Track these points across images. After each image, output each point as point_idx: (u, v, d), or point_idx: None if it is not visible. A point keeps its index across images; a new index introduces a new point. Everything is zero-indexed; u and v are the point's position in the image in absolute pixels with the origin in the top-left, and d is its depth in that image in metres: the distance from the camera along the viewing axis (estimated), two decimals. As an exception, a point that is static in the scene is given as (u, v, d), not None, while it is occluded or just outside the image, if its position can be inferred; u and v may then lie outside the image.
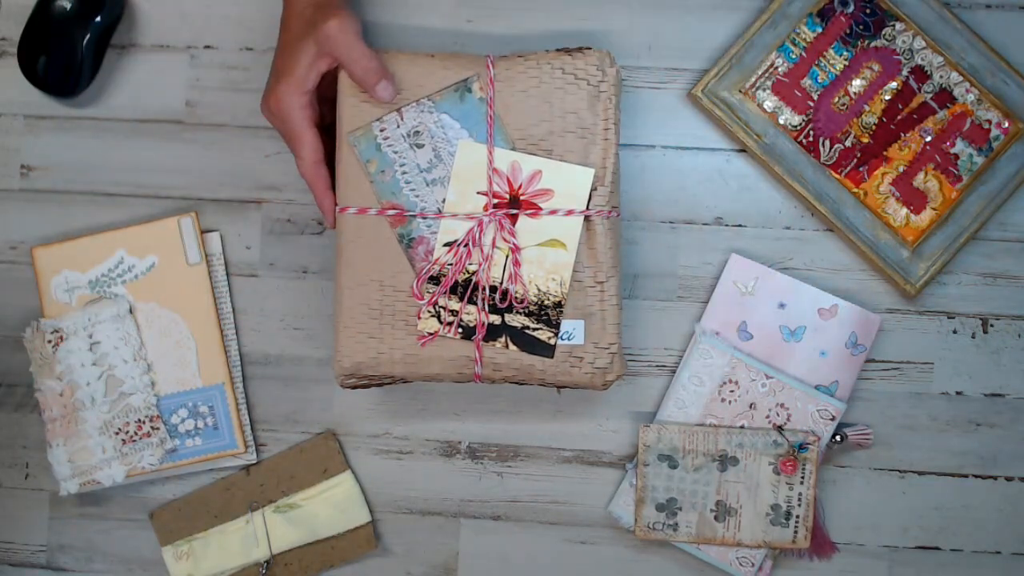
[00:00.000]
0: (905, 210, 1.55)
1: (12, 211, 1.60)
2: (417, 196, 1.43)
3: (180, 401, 1.55)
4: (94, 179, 1.60)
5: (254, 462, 1.58)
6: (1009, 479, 1.57)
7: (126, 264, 1.56)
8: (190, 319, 1.56)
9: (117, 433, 1.53)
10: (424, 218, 1.43)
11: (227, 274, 1.59)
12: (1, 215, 1.60)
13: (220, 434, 1.56)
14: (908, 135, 1.55)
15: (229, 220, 1.59)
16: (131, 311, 1.55)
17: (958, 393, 1.57)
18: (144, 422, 1.53)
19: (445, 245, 1.43)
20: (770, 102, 1.56)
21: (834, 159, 1.55)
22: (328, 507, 1.57)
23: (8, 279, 1.60)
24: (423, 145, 1.43)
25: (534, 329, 1.43)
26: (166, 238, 1.56)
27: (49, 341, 1.53)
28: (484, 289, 1.43)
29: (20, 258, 1.60)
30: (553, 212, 1.42)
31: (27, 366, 1.56)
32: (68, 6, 1.56)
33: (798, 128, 1.55)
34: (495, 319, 1.43)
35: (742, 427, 1.54)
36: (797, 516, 1.53)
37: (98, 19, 1.56)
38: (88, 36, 1.56)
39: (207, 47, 1.60)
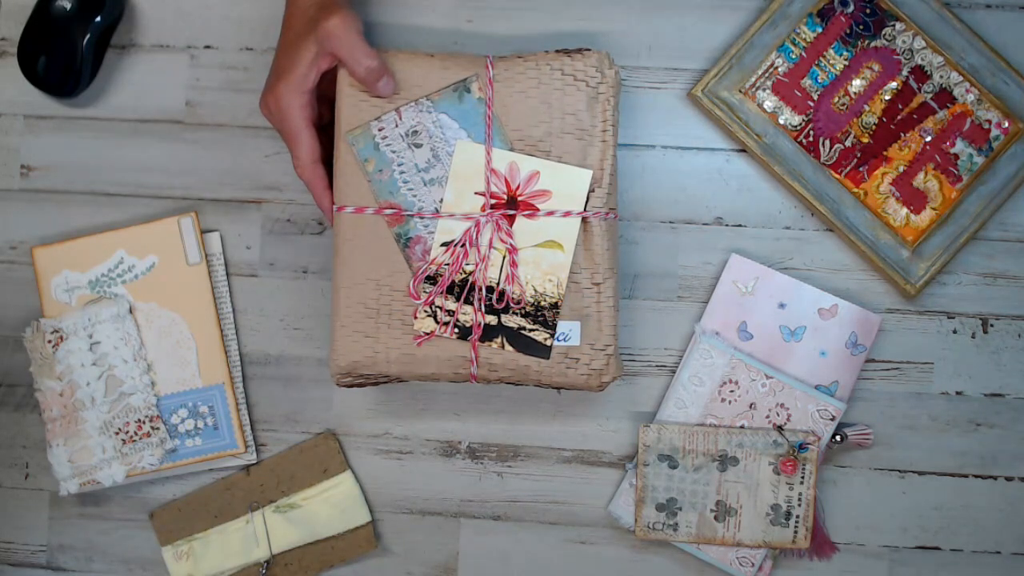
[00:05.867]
0: (905, 210, 1.54)
1: (12, 211, 1.60)
2: (415, 196, 1.43)
3: (180, 401, 1.55)
4: (94, 179, 1.60)
5: (254, 462, 1.58)
6: (1009, 479, 1.56)
7: (126, 264, 1.56)
8: (190, 319, 1.56)
9: (117, 433, 1.53)
10: (421, 218, 1.43)
11: (227, 274, 1.59)
12: (1, 215, 1.60)
13: (220, 434, 1.56)
14: (908, 135, 1.55)
15: (229, 220, 1.59)
16: (131, 311, 1.55)
17: (958, 393, 1.56)
18: (144, 422, 1.53)
19: (442, 245, 1.43)
20: (770, 102, 1.55)
21: (834, 159, 1.55)
22: (328, 507, 1.57)
23: (8, 279, 1.60)
24: (421, 145, 1.43)
25: (530, 330, 1.43)
26: (166, 238, 1.56)
27: (49, 341, 1.53)
28: (481, 289, 1.43)
29: (20, 258, 1.60)
30: (550, 213, 1.42)
31: (27, 366, 1.56)
32: (68, 6, 1.56)
33: (798, 128, 1.55)
34: (491, 320, 1.43)
35: (742, 427, 1.54)
36: (797, 516, 1.53)
37: (98, 19, 1.56)
38: (88, 36, 1.56)
39: (207, 47, 1.60)
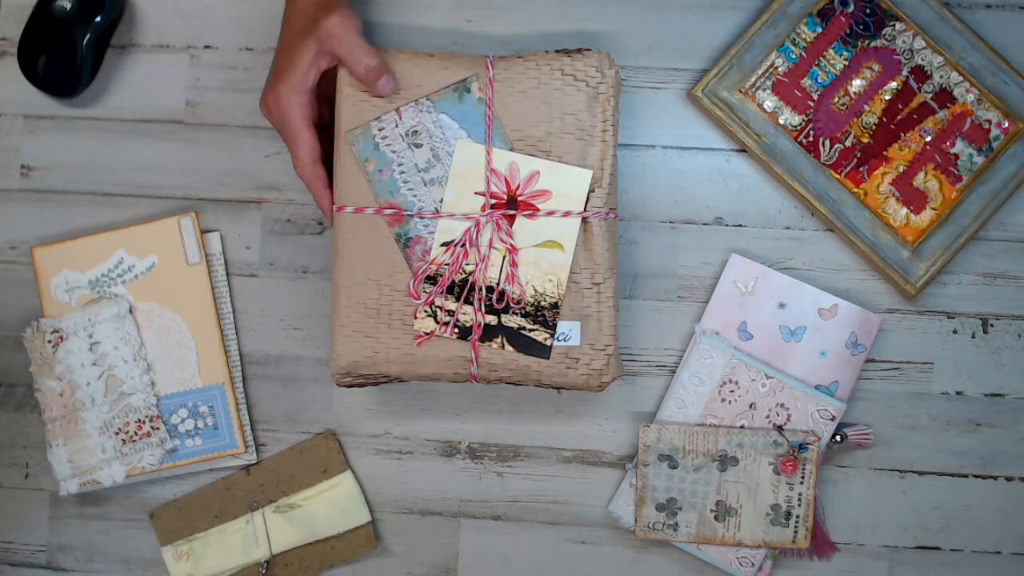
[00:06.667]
0: (905, 210, 1.54)
1: (12, 211, 1.60)
2: (415, 196, 1.43)
3: (180, 401, 1.55)
4: (94, 179, 1.60)
5: (254, 462, 1.58)
6: (1009, 479, 1.56)
7: (126, 264, 1.56)
8: (190, 319, 1.56)
9: (117, 433, 1.53)
10: (421, 218, 1.43)
11: (227, 274, 1.59)
12: (1, 215, 1.60)
13: (220, 434, 1.56)
14: (908, 135, 1.55)
15: (229, 220, 1.59)
16: (131, 311, 1.55)
17: (958, 393, 1.57)
18: (144, 422, 1.53)
19: (442, 245, 1.43)
20: (770, 102, 1.55)
21: (834, 159, 1.55)
22: (328, 507, 1.57)
23: (8, 279, 1.60)
24: (421, 145, 1.43)
25: (530, 330, 1.43)
26: (166, 238, 1.56)
27: (49, 341, 1.53)
28: (481, 289, 1.43)
29: (20, 258, 1.60)
30: (551, 213, 1.42)
31: (27, 366, 1.56)
32: (68, 6, 1.56)
33: (798, 128, 1.55)
34: (491, 320, 1.43)
35: (742, 427, 1.54)
36: (797, 516, 1.53)
37: (98, 19, 1.56)
38: (88, 36, 1.56)
39: (207, 47, 1.60)
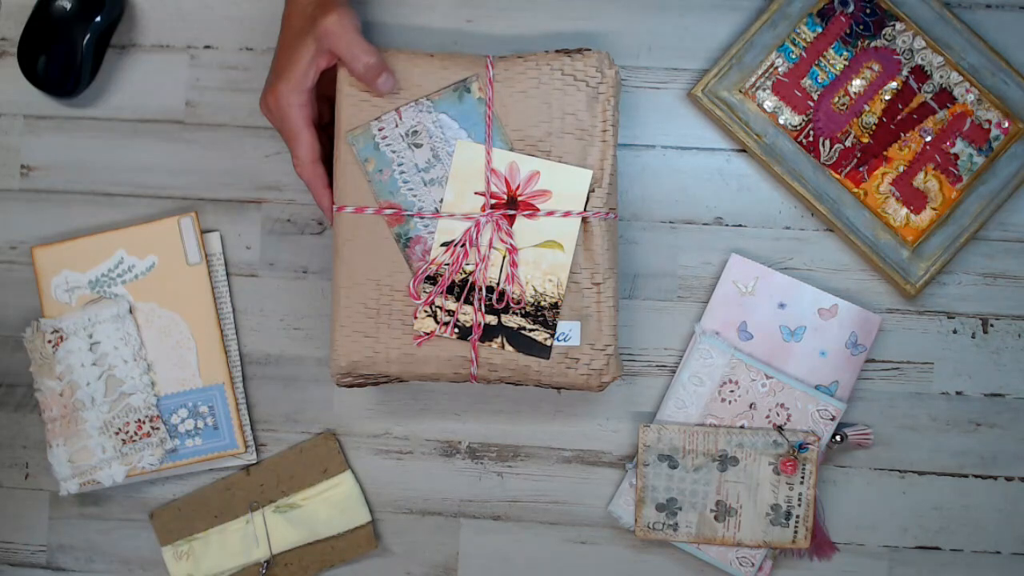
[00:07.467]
0: (905, 210, 1.54)
1: (12, 211, 1.60)
2: (415, 196, 1.43)
3: (180, 401, 1.55)
4: (94, 179, 1.60)
5: (254, 462, 1.58)
6: (1009, 479, 1.56)
7: (126, 264, 1.56)
8: (190, 319, 1.56)
9: (117, 433, 1.53)
10: (421, 218, 1.43)
11: (227, 274, 1.59)
12: (1, 215, 1.60)
13: (220, 434, 1.56)
14: (908, 135, 1.55)
15: (229, 220, 1.59)
16: (131, 311, 1.55)
17: (958, 393, 1.56)
18: (144, 422, 1.53)
19: (442, 245, 1.43)
20: (770, 102, 1.55)
21: (834, 159, 1.55)
22: (328, 507, 1.57)
23: (8, 279, 1.60)
24: (421, 145, 1.43)
25: (530, 330, 1.43)
26: (166, 238, 1.56)
27: (49, 341, 1.53)
28: (481, 289, 1.43)
29: (20, 258, 1.60)
30: (551, 213, 1.42)
31: (27, 366, 1.56)
32: (68, 6, 1.56)
33: (798, 128, 1.55)
34: (491, 320, 1.43)
35: (742, 427, 1.54)
36: (797, 516, 1.53)
37: (98, 19, 1.56)
38: (88, 36, 1.56)
39: (207, 47, 1.60)
